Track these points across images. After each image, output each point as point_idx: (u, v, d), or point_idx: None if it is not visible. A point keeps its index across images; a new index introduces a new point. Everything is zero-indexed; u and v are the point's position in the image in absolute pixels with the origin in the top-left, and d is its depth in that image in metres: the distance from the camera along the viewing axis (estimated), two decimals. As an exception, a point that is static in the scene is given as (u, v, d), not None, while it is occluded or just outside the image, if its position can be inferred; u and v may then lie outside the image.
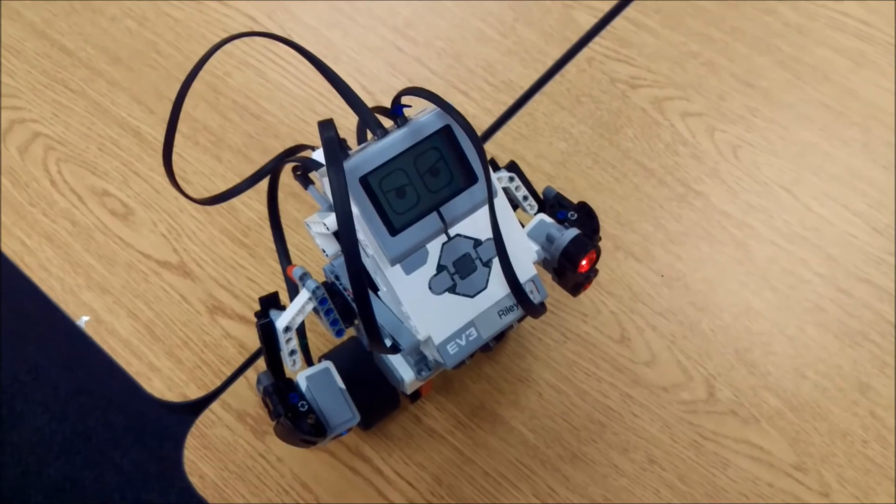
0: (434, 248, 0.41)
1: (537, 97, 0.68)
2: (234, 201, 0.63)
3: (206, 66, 0.68)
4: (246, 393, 0.56)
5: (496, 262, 0.43)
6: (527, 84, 0.69)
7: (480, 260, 0.43)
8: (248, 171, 0.64)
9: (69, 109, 0.67)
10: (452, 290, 0.42)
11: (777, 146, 0.66)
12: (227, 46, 0.69)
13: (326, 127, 0.37)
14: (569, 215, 0.50)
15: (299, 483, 0.54)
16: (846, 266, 0.61)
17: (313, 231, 0.44)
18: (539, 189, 0.51)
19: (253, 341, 0.58)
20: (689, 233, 0.62)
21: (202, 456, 0.55)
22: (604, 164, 0.65)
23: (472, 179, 0.41)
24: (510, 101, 0.68)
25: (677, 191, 0.64)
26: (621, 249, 0.62)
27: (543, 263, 0.49)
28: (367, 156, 0.39)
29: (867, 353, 0.58)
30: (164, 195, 0.63)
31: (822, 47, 0.70)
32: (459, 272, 0.42)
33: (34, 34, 0.70)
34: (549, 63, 0.69)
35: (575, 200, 0.51)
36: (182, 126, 0.65)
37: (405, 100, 0.41)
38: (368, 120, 0.40)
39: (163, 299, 0.60)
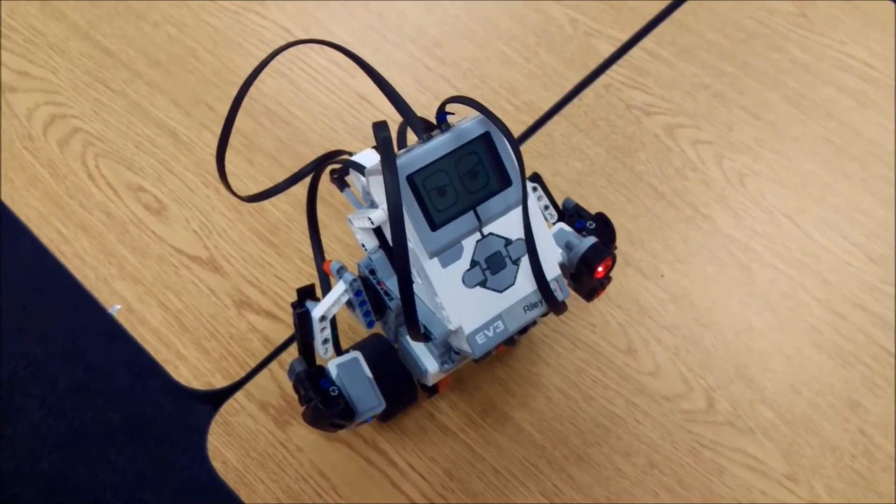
0: (469, 244, 0.46)
1: (556, 119, 0.73)
2: (265, 203, 0.68)
3: (243, 73, 0.73)
4: (269, 385, 0.61)
5: (524, 261, 0.47)
6: (546, 106, 0.74)
7: (510, 258, 0.47)
8: (279, 174, 0.68)
9: (109, 108, 0.72)
10: (483, 284, 0.47)
11: (782, 176, 0.71)
12: (262, 53, 0.74)
13: (381, 128, 0.42)
14: (587, 224, 0.55)
15: (317, 472, 0.58)
16: (843, 292, 0.66)
17: (356, 227, 0.48)
18: (559, 200, 0.56)
19: (277, 336, 0.63)
20: (695, 253, 0.67)
21: (225, 442, 0.59)
22: (617, 185, 0.70)
23: (506, 183, 0.46)
24: (530, 122, 0.73)
25: (686, 213, 0.69)
26: (631, 266, 0.66)
27: (561, 269, 0.54)
28: (414, 157, 0.44)
29: (858, 374, 0.63)
30: (197, 193, 0.68)
31: (827, 86, 0.76)
32: (490, 268, 0.47)
33: (78, 35, 0.76)
34: (569, 87, 0.75)
35: (590, 216, 0.56)
36: (217, 129, 0.70)
37: (448, 108, 0.46)
38: (416, 125, 0.45)
39: (192, 292, 0.64)
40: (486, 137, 0.46)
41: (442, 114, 0.46)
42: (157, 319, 0.63)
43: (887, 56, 0.77)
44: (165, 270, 0.65)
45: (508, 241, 0.47)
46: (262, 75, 0.74)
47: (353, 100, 0.73)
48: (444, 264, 0.46)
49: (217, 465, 0.58)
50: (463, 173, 0.45)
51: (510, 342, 0.49)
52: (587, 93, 0.75)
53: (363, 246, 0.50)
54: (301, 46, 0.75)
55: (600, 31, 0.78)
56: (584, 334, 0.64)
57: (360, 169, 0.49)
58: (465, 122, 0.46)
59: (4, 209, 0.67)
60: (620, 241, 0.67)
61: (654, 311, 0.65)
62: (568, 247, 0.53)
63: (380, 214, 0.46)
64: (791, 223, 0.69)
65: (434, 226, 0.45)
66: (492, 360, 0.62)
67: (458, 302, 0.46)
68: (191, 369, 0.61)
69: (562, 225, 0.54)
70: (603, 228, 0.55)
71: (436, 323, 0.47)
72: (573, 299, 0.63)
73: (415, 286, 0.48)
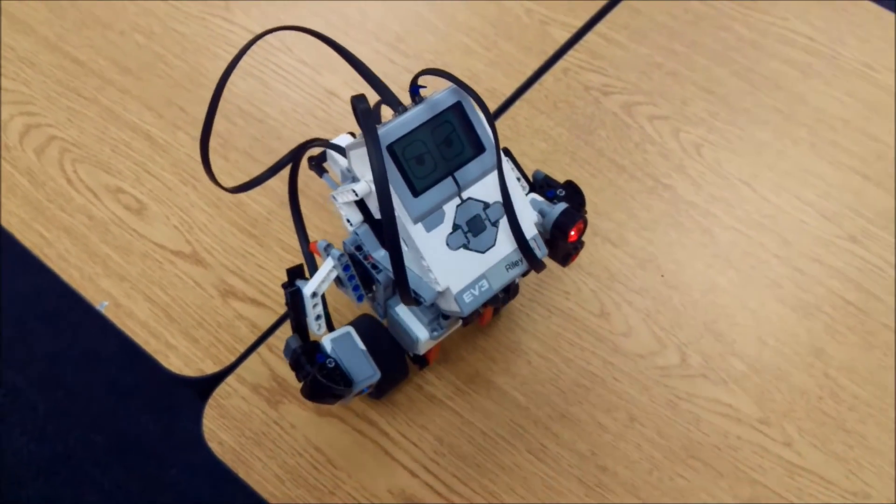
0: (450, 209, 0.51)
1: (518, 103, 0.79)
2: (242, 197, 0.71)
3: (213, 75, 0.78)
4: (259, 368, 0.64)
5: (503, 223, 0.52)
6: (509, 92, 0.79)
7: (489, 220, 0.52)
8: (255, 169, 0.72)
9: (83, 115, 0.75)
10: (466, 246, 0.51)
11: (736, 145, 0.77)
12: (231, 55, 0.78)
13: (361, 100, 0.46)
14: (557, 192, 0.60)
15: (312, 446, 0.62)
16: (799, 248, 0.72)
17: (340, 202, 0.53)
18: (529, 174, 0.61)
19: (263, 321, 0.66)
20: (658, 221, 0.73)
21: (220, 425, 0.62)
22: (581, 162, 0.75)
23: (480, 149, 0.51)
24: (494, 107, 0.78)
25: (647, 184, 0.74)
26: (599, 235, 0.72)
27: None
28: (392, 127, 0.48)
29: (820, 323, 0.68)
30: (176, 192, 0.72)
31: (773, 60, 0.82)
32: (472, 231, 0.51)
33: (48, 47, 0.79)
34: (529, 73, 0.80)
35: (558, 192, 0.61)
36: (191, 130, 0.74)
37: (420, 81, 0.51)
38: (390, 99, 0.50)
39: (177, 285, 0.68)
40: (458, 107, 0.50)
41: (415, 87, 0.50)
42: (145, 313, 0.66)
43: (827, 29, 0.84)
44: (150, 266, 0.68)
45: (486, 205, 0.52)
46: (234, 77, 0.78)
47: (323, 95, 0.77)
48: (428, 229, 0.50)
49: (214, 446, 0.61)
50: (439, 142, 0.50)
51: (496, 306, 0.53)
52: (546, 77, 0.80)
53: (348, 221, 0.54)
54: (269, 48, 0.80)
55: (555, 18, 0.83)
56: (558, 301, 0.68)
57: (340, 150, 0.54)
58: (436, 94, 0.50)
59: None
60: (589, 215, 0.73)
61: (623, 277, 0.70)
62: (541, 214, 0.58)
63: (363, 186, 0.50)
64: (747, 188, 0.75)
65: (416, 192, 0.49)
66: (473, 331, 0.67)
67: (443, 264, 0.51)
68: (181, 358, 0.65)
69: (533, 195, 0.59)
70: (573, 195, 0.60)
71: (424, 286, 0.51)
72: (546, 269, 0.69)
73: (403, 254, 0.52)
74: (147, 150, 0.74)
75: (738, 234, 0.72)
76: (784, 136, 0.78)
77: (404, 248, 0.51)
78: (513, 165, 0.60)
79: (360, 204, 0.53)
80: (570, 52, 0.81)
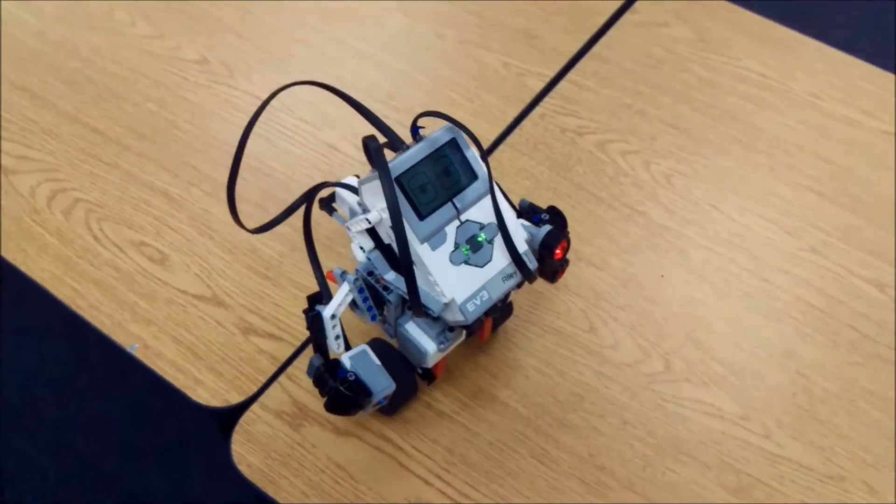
0: (451, 230, 0.58)
1: (502, 147, 0.87)
2: (255, 243, 0.79)
3: (222, 136, 0.86)
4: (280, 395, 0.71)
5: (497, 240, 0.60)
6: (492, 137, 0.88)
7: (486, 239, 0.60)
8: (264, 218, 0.80)
9: (104, 178, 0.83)
10: (467, 262, 0.59)
11: (702, 173, 0.85)
12: (240, 119, 0.87)
13: (372, 139, 0.54)
14: (542, 217, 0.67)
15: (333, 463, 0.68)
16: (767, 261, 0.79)
17: (353, 231, 0.60)
18: (515, 203, 0.69)
19: (282, 353, 0.73)
20: (637, 244, 0.80)
21: (248, 448, 0.68)
22: (562, 196, 0.83)
23: (474, 177, 0.59)
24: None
25: (624, 212, 0.82)
26: (583, 260, 0.79)
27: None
28: (399, 162, 0.56)
29: (790, 327, 0.76)
30: (195, 242, 0.79)
31: (730, 95, 0.91)
32: (471, 248, 0.59)
33: (68, 119, 0.87)
34: (509, 120, 0.89)
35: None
36: (205, 186, 0.82)
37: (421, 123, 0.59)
38: (394, 138, 0.58)
39: (201, 326, 0.74)
40: (453, 142, 0.59)
41: (415, 127, 0.59)
42: (172, 352, 0.73)
43: (777, 66, 0.94)
44: (174, 310, 0.75)
45: (482, 225, 0.60)
46: (239, 136, 0.86)
47: (324, 150, 0.86)
48: (434, 248, 0.58)
49: (243, 468, 0.67)
50: (439, 173, 0.58)
51: (494, 317, 0.60)
52: (525, 123, 0.89)
53: (361, 248, 0.61)
54: (272, 110, 0.88)
55: (530, 70, 0.92)
56: (550, 321, 0.75)
57: (351, 188, 0.62)
58: (434, 132, 0.59)
59: (18, 275, 0.77)
60: (573, 243, 0.80)
61: (608, 295, 0.77)
62: (532, 237, 0.65)
63: (375, 215, 0.58)
64: (715, 210, 0.83)
65: (421, 216, 0.57)
66: (475, 351, 0.73)
67: (448, 278, 0.58)
68: (208, 391, 0.71)
69: (521, 220, 0.67)
70: (555, 218, 0.68)
71: (432, 299, 0.59)
72: (537, 293, 0.76)
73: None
74: (165, 207, 0.81)
75: (710, 252, 0.80)
76: (745, 163, 0.86)
77: (414, 266, 0.58)
78: (503, 198, 0.68)
79: (371, 232, 0.60)
80: (546, 99, 0.90)
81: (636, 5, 0.98)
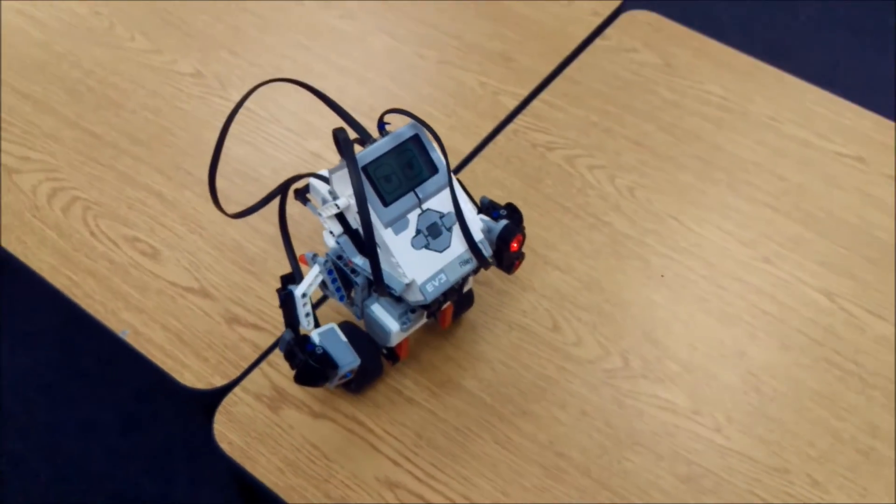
0: (413, 217, 0.65)
1: (476, 160, 0.93)
2: (241, 240, 0.85)
3: (213, 143, 0.92)
4: (261, 380, 0.76)
5: (456, 228, 0.66)
6: (467, 150, 0.94)
7: (445, 227, 0.66)
8: (251, 220, 0.86)
9: (102, 179, 0.89)
10: (427, 246, 0.65)
11: (663, 187, 0.92)
12: (231, 128, 0.92)
13: (341, 131, 0.61)
14: (500, 212, 0.73)
15: (309, 443, 0.73)
16: (722, 269, 0.85)
17: (324, 216, 0.66)
18: (476, 199, 0.75)
19: (264, 342, 0.78)
20: (600, 251, 0.86)
21: (229, 427, 0.74)
22: (531, 205, 0.90)
23: (435, 170, 0.65)
24: (455, 163, 0.93)
25: (589, 221, 0.89)
26: (549, 264, 0.85)
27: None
28: (365, 154, 0.63)
29: (742, 330, 0.82)
30: (185, 239, 0.85)
31: (692, 116, 0.98)
32: (431, 234, 0.65)
33: (68, 124, 0.94)
34: (484, 135, 0.96)
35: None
36: (196, 188, 0.88)
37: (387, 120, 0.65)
38: (362, 133, 0.65)
39: (189, 315, 0.80)
40: (416, 138, 0.65)
41: (381, 123, 0.65)
42: (161, 338, 0.78)
43: (737, 90, 1.01)
44: (164, 300, 0.81)
45: (442, 215, 0.66)
46: (230, 142, 0.93)
47: (308, 157, 0.92)
48: (396, 232, 0.64)
49: (224, 445, 0.72)
50: (403, 165, 0.64)
51: (454, 300, 0.66)
52: (499, 138, 0.95)
53: (331, 233, 0.67)
54: (260, 119, 0.95)
55: (505, 89, 0.99)
56: (517, 318, 0.81)
57: (323, 178, 0.68)
58: (400, 129, 0.65)
59: (18, 266, 0.82)
60: (539, 247, 0.86)
61: (572, 297, 0.83)
62: (488, 231, 0.71)
63: (344, 200, 0.64)
64: (675, 221, 0.89)
65: (386, 203, 0.63)
66: (444, 343, 0.79)
67: (409, 260, 0.64)
68: (194, 374, 0.76)
69: (481, 216, 0.73)
70: (513, 214, 0.74)
71: (394, 280, 0.65)
72: (504, 293, 0.82)
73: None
74: (159, 206, 0.87)
75: (668, 260, 0.86)
76: (705, 179, 0.93)
77: (378, 249, 0.64)
78: (463, 192, 0.74)
79: (341, 218, 0.66)
80: (519, 117, 0.97)
81: (607, 31, 1.06)
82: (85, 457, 1.38)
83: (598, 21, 1.07)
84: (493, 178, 0.92)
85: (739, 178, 0.93)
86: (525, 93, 1.00)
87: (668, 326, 0.82)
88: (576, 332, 0.81)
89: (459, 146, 0.94)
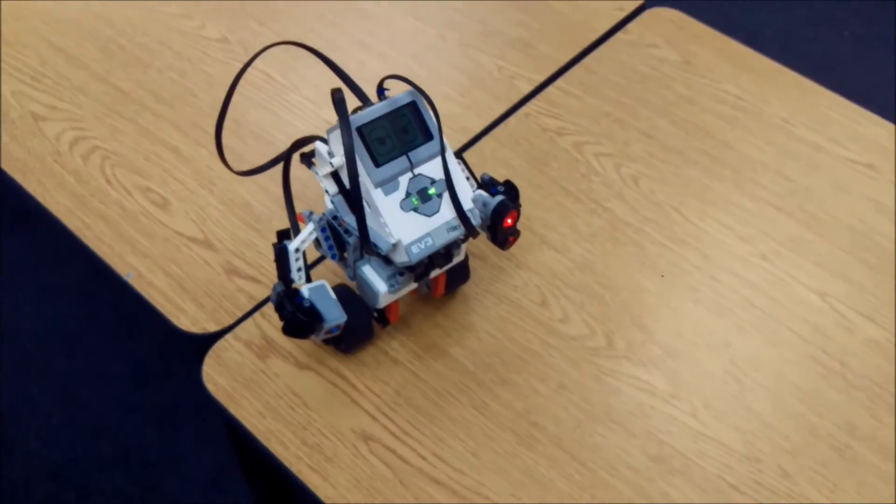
0: (404, 181, 0.67)
1: (486, 139, 0.96)
2: (249, 198, 0.89)
3: (232, 106, 0.96)
4: (253, 329, 0.80)
5: (446, 196, 0.68)
6: (478, 129, 0.97)
7: (435, 192, 0.68)
8: (261, 180, 0.89)
9: (123, 132, 0.94)
10: (416, 210, 0.67)
11: (669, 179, 0.93)
12: (251, 93, 0.97)
13: (337, 91, 0.64)
14: (498, 189, 0.76)
15: (291, 391, 0.76)
16: (717, 262, 0.87)
17: (320, 174, 0.69)
18: (477, 176, 0.78)
19: (259, 294, 0.82)
20: (597, 234, 0.88)
21: (217, 370, 0.77)
22: (535, 187, 0.92)
23: (429, 137, 0.68)
24: (465, 140, 0.96)
25: (590, 206, 0.90)
26: (546, 244, 0.87)
27: (481, 225, 0.75)
28: (361, 115, 0.66)
29: (731, 322, 0.83)
30: (195, 193, 0.89)
31: (706, 113, 0.99)
32: (421, 199, 0.68)
33: (97, 80, 0.99)
34: (496, 116, 0.98)
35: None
36: (212, 147, 0.92)
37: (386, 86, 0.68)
38: (361, 96, 0.68)
39: (191, 263, 0.84)
40: (413, 104, 0.68)
41: (380, 89, 0.68)
42: (163, 283, 0.82)
43: (754, 91, 1.02)
44: (169, 248, 0.85)
45: (433, 181, 0.68)
46: (249, 107, 0.97)
47: (323, 125, 0.95)
48: (386, 193, 0.67)
49: (210, 386, 0.76)
50: (397, 129, 0.67)
51: (451, 278, 0.69)
52: (511, 120, 0.98)
53: (326, 191, 0.70)
54: (279, 87, 0.99)
55: (522, 74, 1.02)
56: (507, 293, 0.83)
57: (324, 140, 0.71)
58: (398, 95, 0.68)
59: (39, 208, 0.87)
60: (537, 227, 0.89)
61: (564, 276, 0.85)
62: (484, 205, 0.74)
63: (338, 159, 0.67)
64: (676, 212, 0.90)
65: (377, 163, 0.66)
66: (432, 310, 0.82)
67: (397, 221, 0.67)
68: (190, 319, 0.80)
69: (480, 191, 0.76)
70: (510, 191, 0.76)
71: (381, 239, 0.67)
72: (498, 268, 0.85)
73: (367, 216, 0.68)
74: (174, 161, 0.92)
75: (664, 249, 0.88)
76: (711, 174, 0.94)
77: (367, 209, 0.67)
78: (464, 167, 0.76)
79: (337, 178, 0.69)
80: (532, 101, 0.99)
81: (629, 26, 1.08)
82: (96, 405, 1.43)
83: (621, 15, 1.09)
84: (500, 157, 0.94)
85: (746, 177, 0.94)
86: (541, 79, 1.02)
87: (657, 312, 0.83)
88: (563, 310, 0.83)
89: (471, 125, 0.97)
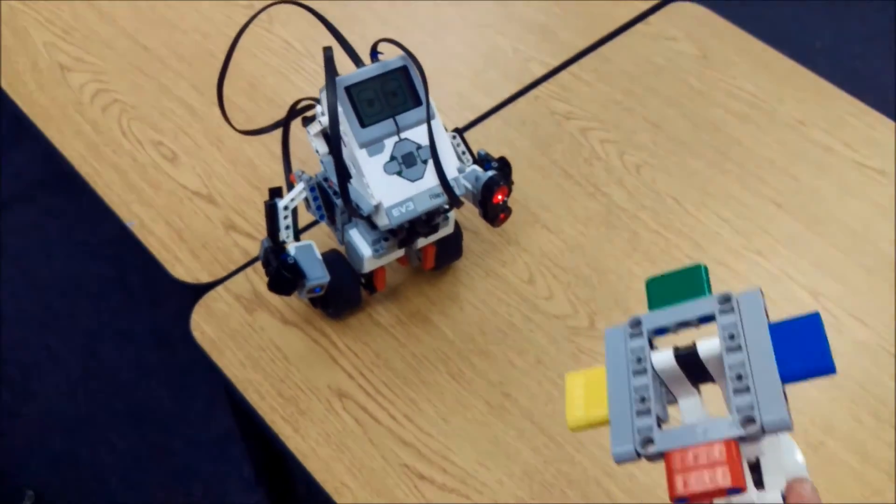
0: (389, 144, 0.69)
1: (493, 118, 0.97)
2: (255, 160, 0.91)
3: (249, 70, 0.99)
4: (244, 283, 0.82)
5: (431, 162, 0.70)
6: (486, 108, 0.98)
7: (420, 158, 0.70)
8: (268, 140, 0.92)
9: (142, 87, 0.98)
10: (399, 174, 0.69)
11: (671, 169, 0.93)
12: (268, 58, 0.99)
13: (327, 50, 0.66)
14: (493, 165, 0.77)
15: (274, 345, 0.79)
16: (711, 253, 0.87)
17: (311, 133, 0.71)
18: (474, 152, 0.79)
19: (254, 250, 0.85)
20: (592, 218, 0.89)
21: (205, 319, 0.80)
22: (536, 167, 0.93)
23: (418, 102, 0.69)
24: (472, 118, 0.97)
25: (588, 190, 0.91)
26: (539, 223, 0.88)
27: (472, 199, 0.76)
28: (351, 75, 0.68)
29: (716, 312, 0.83)
30: (204, 150, 0.92)
31: (717, 108, 0.99)
32: (405, 163, 0.69)
33: (124, 36, 1.03)
34: (506, 96, 0.99)
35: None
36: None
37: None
38: (355, 58, 0.69)
39: (192, 216, 0.87)
40: (404, 69, 0.70)
41: (374, 52, 0.70)
42: (163, 233, 0.85)
43: (770, 89, 1.01)
44: (173, 201, 0.88)
45: (419, 146, 0.70)
46: (264, 71, 1.00)
47: (334, 94, 0.98)
48: (371, 155, 0.68)
49: (196, 334, 0.79)
50: (387, 92, 0.69)
51: (425, 233, 0.71)
52: (520, 101, 0.99)
53: (317, 151, 0.73)
54: (296, 54, 1.01)
55: (536, 57, 1.03)
56: (495, 267, 0.85)
57: (318, 101, 0.73)
58: (390, 59, 0.70)
59: (57, 155, 0.91)
60: (533, 206, 0.90)
61: (553, 256, 0.86)
62: (476, 179, 0.75)
63: (326, 118, 0.69)
64: (674, 202, 0.91)
65: (363, 124, 0.68)
66: (420, 280, 0.83)
67: (379, 184, 0.69)
68: (185, 268, 0.83)
69: (474, 166, 0.77)
70: (503, 168, 0.78)
71: (363, 200, 0.69)
72: (489, 243, 0.86)
73: (352, 176, 0.70)
74: (187, 118, 0.95)
75: (658, 237, 0.88)
76: (714, 167, 0.94)
77: (351, 169, 0.69)
78: (460, 141, 0.78)
79: (327, 138, 0.71)
80: (544, 84, 1.01)
81: (650, 18, 1.08)
82: (115, 364, 1.49)
83: (644, 7, 1.09)
84: (504, 136, 0.96)
85: (751, 173, 0.94)
86: (556, 63, 1.03)
87: (642, 297, 0.83)
88: (549, 288, 0.84)
89: (479, 102, 0.98)
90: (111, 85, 0.98)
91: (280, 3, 0.71)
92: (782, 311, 0.86)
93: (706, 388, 0.48)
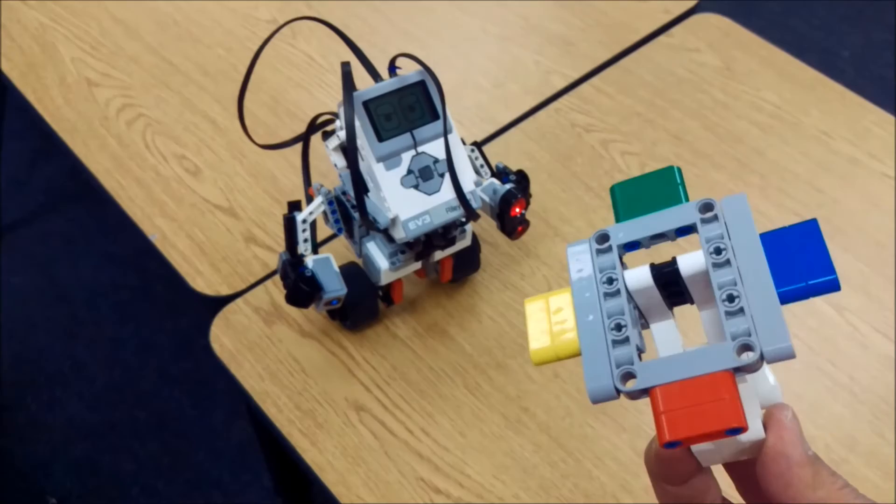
0: (406, 157, 0.69)
1: (513, 130, 0.98)
2: (277, 174, 0.92)
3: (272, 84, 1.00)
4: (263, 296, 0.83)
5: (448, 176, 0.70)
6: (506, 121, 0.98)
7: (437, 172, 0.70)
8: (289, 155, 0.93)
9: (167, 102, 0.99)
10: (416, 187, 0.69)
11: (692, 181, 0.93)
12: (290, 72, 1.01)
13: (345, 65, 0.66)
14: (511, 178, 0.77)
15: (292, 358, 0.79)
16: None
17: (329, 148, 0.72)
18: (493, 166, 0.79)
19: (274, 263, 0.85)
20: (613, 231, 0.89)
21: (224, 332, 0.81)
22: (556, 180, 0.93)
23: (436, 117, 0.70)
24: (492, 130, 0.97)
25: (608, 203, 0.91)
26: (559, 236, 0.88)
27: (490, 212, 0.76)
28: (370, 90, 0.68)
29: (737, 327, 0.82)
30: (227, 163, 0.93)
31: (740, 119, 0.99)
32: (422, 177, 0.70)
33: (149, 51, 1.04)
34: (526, 109, 1.00)
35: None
36: (247, 121, 0.96)
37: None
38: (373, 72, 0.70)
39: (213, 229, 0.88)
40: (422, 84, 0.70)
41: (392, 66, 0.70)
42: (185, 245, 0.87)
43: (794, 101, 1.00)
44: (195, 213, 0.89)
45: (436, 160, 0.70)
46: (287, 86, 1.01)
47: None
48: (388, 168, 0.69)
49: (216, 346, 0.80)
50: (404, 107, 0.69)
51: (441, 246, 0.71)
52: (540, 114, 0.99)
53: (335, 165, 0.73)
54: (319, 69, 1.02)
55: (557, 70, 1.03)
56: (514, 280, 0.85)
57: (336, 115, 0.74)
58: (408, 74, 0.70)
59: (83, 169, 0.93)
60: (553, 219, 0.90)
61: (573, 269, 0.86)
62: (494, 192, 0.76)
63: (343, 132, 0.69)
64: (696, 215, 0.90)
65: (381, 138, 0.68)
66: (438, 292, 0.84)
67: (396, 197, 0.69)
68: (205, 281, 0.84)
69: (493, 179, 0.77)
70: (522, 181, 0.78)
71: (380, 214, 0.70)
72: (508, 256, 0.86)
73: (370, 189, 0.71)
74: (210, 132, 0.96)
75: (680, 250, 0.87)
76: (737, 179, 0.93)
77: (369, 183, 0.69)
78: (478, 155, 0.78)
79: (345, 152, 0.72)
80: (565, 97, 1.01)
81: (673, 30, 1.07)
82: (139, 374, 1.50)
83: (667, 19, 1.09)
84: (524, 149, 0.96)
85: (773, 185, 0.93)
86: (577, 76, 1.03)
87: (663, 312, 0.83)
88: (569, 302, 0.84)
89: (499, 116, 0.99)
90: (137, 100, 1.00)
91: (299, 19, 0.72)
92: (804, 324, 0.86)
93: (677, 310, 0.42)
